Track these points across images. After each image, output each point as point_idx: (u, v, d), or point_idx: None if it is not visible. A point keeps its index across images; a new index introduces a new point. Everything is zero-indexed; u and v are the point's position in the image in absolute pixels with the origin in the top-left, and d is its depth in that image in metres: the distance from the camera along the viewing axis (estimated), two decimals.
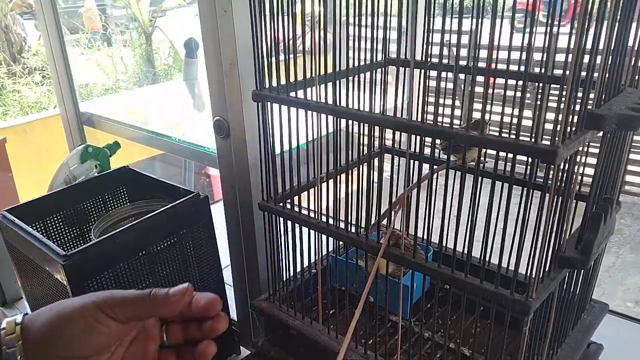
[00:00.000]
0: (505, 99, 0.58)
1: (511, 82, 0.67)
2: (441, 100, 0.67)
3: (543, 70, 0.57)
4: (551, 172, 0.53)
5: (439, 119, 0.59)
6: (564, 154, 0.50)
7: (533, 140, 0.52)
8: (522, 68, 0.59)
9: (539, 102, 0.56)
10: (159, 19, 6.82)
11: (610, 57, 0.56)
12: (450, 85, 0.60)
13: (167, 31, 6.73)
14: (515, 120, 0.54)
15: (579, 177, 0.63)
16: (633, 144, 3.70)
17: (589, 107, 0.55)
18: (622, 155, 0.68)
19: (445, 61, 0.62)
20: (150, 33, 6.82)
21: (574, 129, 0.54)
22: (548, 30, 0.55)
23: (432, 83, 0.67)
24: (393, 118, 0.61)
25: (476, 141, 0.54)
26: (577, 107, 0.54)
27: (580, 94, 0.53)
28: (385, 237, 0.69)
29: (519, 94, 0.54)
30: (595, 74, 0.55)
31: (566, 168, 0.56)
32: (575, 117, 0.54)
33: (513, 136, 0.54)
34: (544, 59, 0.57)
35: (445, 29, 0.58)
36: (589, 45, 0.50)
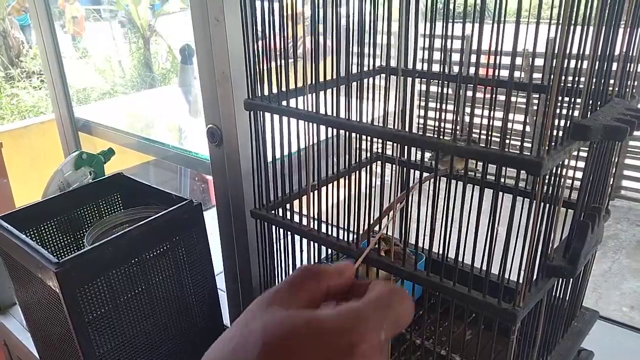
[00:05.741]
0: (494, 104, 0.58)
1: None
2: (432, 105, 0.68)
3: (533, 79, 0.58)
4: (537, 182, 0.53)
5: (430, 125, 0.59)
6: (549, 165, 0.51)
7: (518, 151, 0.52)
8: (519, 74, 0.59)
9: (532, 108, 0.57)
10: (157, 21, 6.83)
11: (597, 63, 0.57)
12: (444, 90, 0.61)
13: (165, 35, 6.74)
14: (508, 126, 0.55)
15: (568, 182, 0.64)
16: (629, 149, 3.71)
17: (575, 117, 0.55)
18: (610, 164, 0.69)
19: (436, 67, 0.62)
20: (148, 37, 6.83)
21: (560, 134, 0.54)
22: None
23: (425, 87, 0.67)
24: (381, 128, 0.62)
25: (462, 152, 0.55)
26: (564, 116, 0.54)
27: (566, 103, 0.54)
28: (372, 242, 0.70)
29: (513, 98, 0.55)
30: (582, 80, 0.55)
31: (552, 177, 0.56)
32: (562, 125, 0.54)
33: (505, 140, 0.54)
34: (530, 66, 0.57)
35: (434, 35, 0.58)
36: (575, 51, 0.51)
